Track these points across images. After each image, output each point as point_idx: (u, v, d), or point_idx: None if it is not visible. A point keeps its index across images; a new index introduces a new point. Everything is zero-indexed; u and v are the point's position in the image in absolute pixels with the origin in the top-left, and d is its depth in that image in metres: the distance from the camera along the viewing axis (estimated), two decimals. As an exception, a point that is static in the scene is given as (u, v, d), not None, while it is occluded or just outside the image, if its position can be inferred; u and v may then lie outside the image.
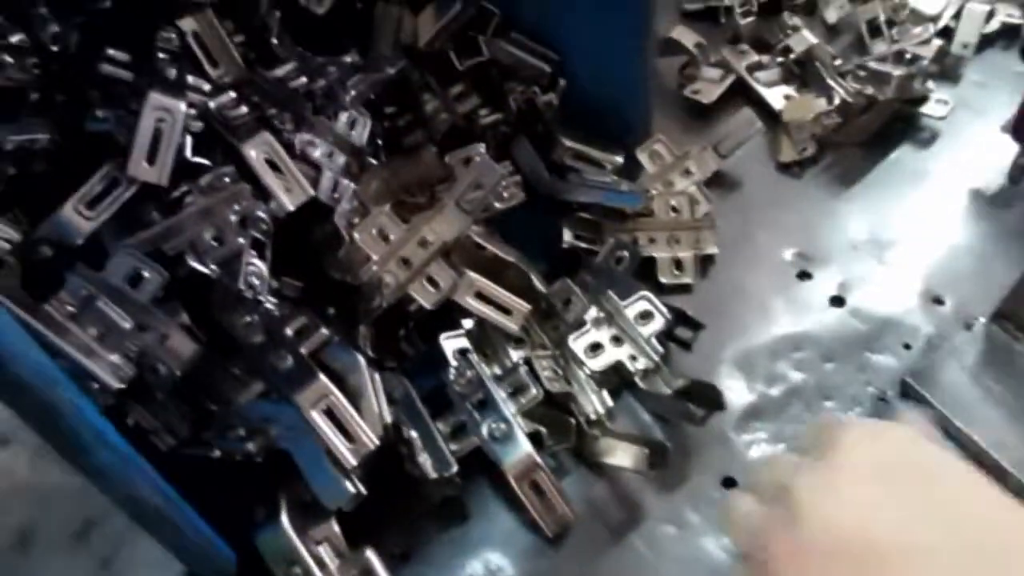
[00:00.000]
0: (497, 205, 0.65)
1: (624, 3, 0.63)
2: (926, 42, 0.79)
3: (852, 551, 0.33)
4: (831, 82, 0.76)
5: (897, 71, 0.74)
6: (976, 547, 0.32)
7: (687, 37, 0.82)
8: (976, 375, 0.59)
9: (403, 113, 0.69)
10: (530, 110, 0.69)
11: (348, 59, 0.63)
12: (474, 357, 0.57)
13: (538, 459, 0.55)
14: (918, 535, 0.33)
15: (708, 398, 0.57)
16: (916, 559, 0.32)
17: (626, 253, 0.64)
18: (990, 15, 0.83)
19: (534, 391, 0.56)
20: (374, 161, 0.65)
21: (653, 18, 0.64)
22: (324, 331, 0.54)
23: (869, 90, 0.74)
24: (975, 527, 0.33)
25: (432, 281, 0.59)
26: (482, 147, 0.64)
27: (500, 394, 0.56)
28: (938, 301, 0.65)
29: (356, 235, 0.59)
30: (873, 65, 0.76)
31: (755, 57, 0.82)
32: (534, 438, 0.56)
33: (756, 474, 0.41)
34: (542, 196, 0.69)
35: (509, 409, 0.55)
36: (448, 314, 0.60)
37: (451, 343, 0.59)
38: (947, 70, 0.81)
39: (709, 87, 0.80)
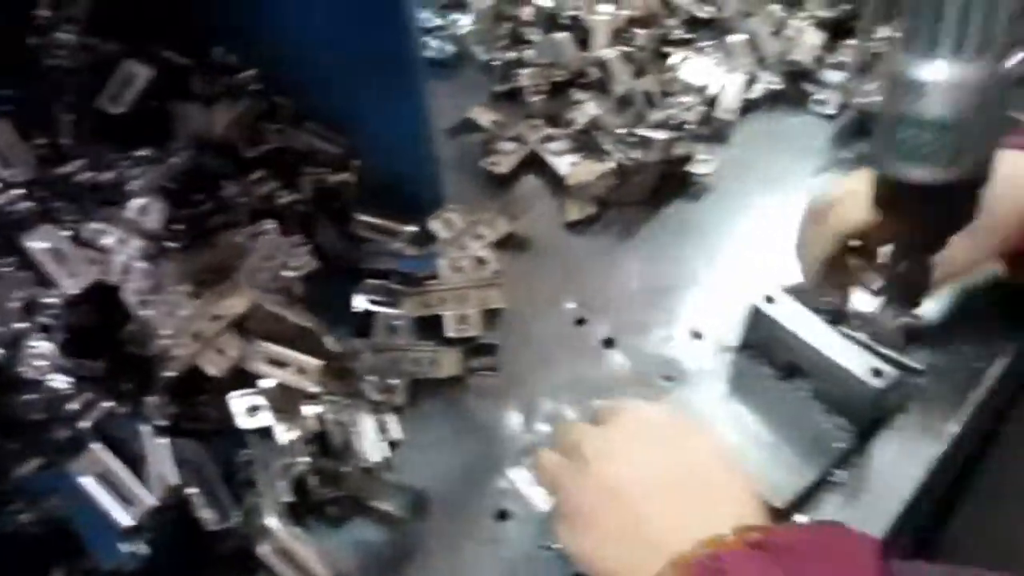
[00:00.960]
0: (289, 274, 0.70)
1: (404, 96, 0.71)
2: (691, 109, 0.89)
3: (616, 488, 0.49)
4: (609, 148, 0.85)
5: (661, 136, 0.83)
6: (690, 484, 0.49)
7: (484, 116, 0.90)
8: (726, 400, 0.66)
9: (205, 200, 0.74)
10: (324, 190, 0.75)
11: (142, 152, 0.68)
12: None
13: (282, 531, 0.58)
14: (655, 477, 0.50)
15: (415, 504, 0.62)
16: (653, 492, 0.49)
17: (399, 322, 0.70)
18: (751, 82, 0.94)
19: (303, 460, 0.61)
20: (175, 245, 0.70)
21: (428, 107, 0.71)
22: (106, 404, 0.57)
23: (639, 154, 0.83)
24: (693, 471, 0.50)
25: (221, 351, 0.64)
26: (272, 223, 0.70)
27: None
28: (697, 336, 0.73)
29: (148, 312, 0.63)
30: (641, 132, 0.85)
31: (547, 130, 0.91)
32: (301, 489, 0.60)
33: (559, 435, 0.57)
34: (342, 266, 0.75)
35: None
36: (253, 378, 0.65)
37: (241, 402, 0.63)
38: (716, 132, 0.91)
39: (505, 159, 0.88)
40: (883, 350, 0.66)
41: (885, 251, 0.60)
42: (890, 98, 0.47)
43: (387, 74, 0.68)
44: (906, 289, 0.55)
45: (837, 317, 0.67)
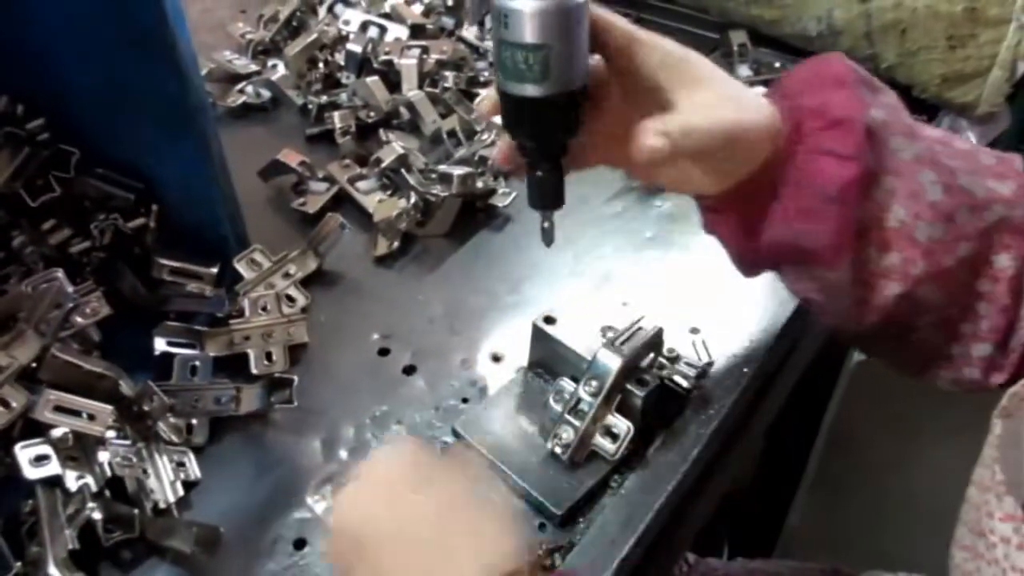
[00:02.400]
0: (80, 320, 0.70)
1: (191, 141, 0.72)
2: (493, 145, 0.94)
3: (359, 540, 0.51)
4: (413, 184, 0.89)
5: (459, 172, 0.87)
6: (420, 538, 0.51)
7: (291, 158, 0.92)
8: (513, 416, 0.70)
9: (-7, 250, 0.73)
10: (120, 235, 0.75)
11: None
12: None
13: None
14: (386, 527, 0.52)
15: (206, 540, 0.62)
16: (385, 544, 0.51)
17: (198, 363, 0.71)
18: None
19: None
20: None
21: (215, 149, 0.72)
22: None
23: (439, 189, 0.87)
24: (423, 523, 0.52)
25: (4, 403, 0.63)
26: (59, 271, 0.70)
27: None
28: (496, 358, 0.77)
29: (-76, 369, 0.62)
30: (441, 168, 0.89)
31: (357, 170, 0.94)
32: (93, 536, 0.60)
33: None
34: (144, 310, 0.75)
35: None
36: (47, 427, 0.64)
37: (27, 452, 0.63)
38: (519, 166, 0.97)
39: (314, 199, 0.91)
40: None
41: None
42: (495, 26, 0.53)
43: (171, 120, 0.70)
44: (543, 193, 0.59)
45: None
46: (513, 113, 0.55)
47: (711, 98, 0.54)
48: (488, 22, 1.16)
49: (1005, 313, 0.55)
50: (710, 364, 0.74)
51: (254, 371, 0.74)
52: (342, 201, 0.92)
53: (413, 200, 0.87)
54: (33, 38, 0.72)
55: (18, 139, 0.73)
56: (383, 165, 0.92)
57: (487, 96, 0.57)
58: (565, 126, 0.55)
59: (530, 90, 0.52)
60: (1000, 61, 0.89)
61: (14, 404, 0.63)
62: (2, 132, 0.73)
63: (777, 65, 1.03)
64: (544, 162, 0.56)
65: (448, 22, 1.16)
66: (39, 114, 0.77)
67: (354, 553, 0.52)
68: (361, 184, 0.92)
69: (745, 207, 0.59)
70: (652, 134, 0.51)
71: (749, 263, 0.64)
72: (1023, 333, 0.55)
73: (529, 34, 0.50)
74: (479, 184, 0.88)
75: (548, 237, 0.63)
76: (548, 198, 0.59)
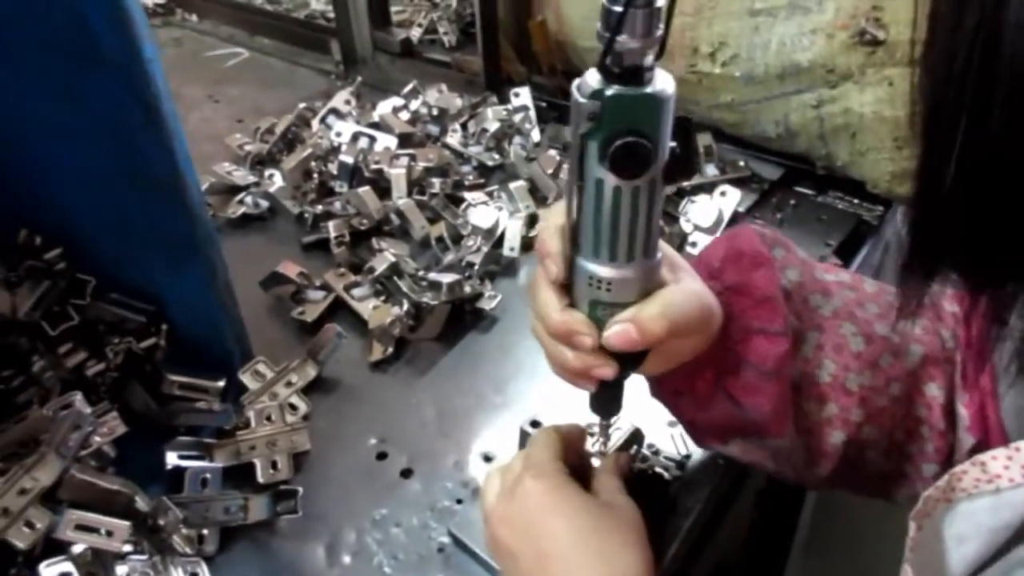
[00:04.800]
0: (97, 439, 0.75)
1: (197, 269, 0.78)
2: (479, 250, 1.01)
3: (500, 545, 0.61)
4: (405, 291, 0.95)
5: (447, 279, 0.93)
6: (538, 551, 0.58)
7: (290, 269, 0.98)
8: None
9: (14, 376, 0.78)
10: (132, 355, 0.81)
11: (-57, 341, 0.72)
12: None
13: None
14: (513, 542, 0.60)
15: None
16: (511, 555, 0.60)
17: (209, 474, 0.76)
18: (532, 221, 1.07)
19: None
20: (-17, 423, 0.74)
21: (221, 275, 0.79)
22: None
23: (429, 296, 0.93)
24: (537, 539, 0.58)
25: (29, 524, 0.68)
26: (78, 394, 0.75)
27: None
28: (487, 458, 0.82)
29: (-47, 495, 0.67)
30: (432, 276, 0.95)
31: (352, 277, 1.00)
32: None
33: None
34: (156, 425, 0.80)
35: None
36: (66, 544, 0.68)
37: (51, 571, 0.67)
38: (504, 268, 1.03)
39: (312, 307, 0.97)
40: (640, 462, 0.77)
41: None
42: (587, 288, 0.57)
43: (180, 252, 0.76)
44: (601, 403, 0.65)
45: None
46: None
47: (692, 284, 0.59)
48: (472, 126, 1.24)
49: (944, 436, 0.61)
50: (688, 456, 0.80)
51: (261, 480, 0.79)
52: (338, 308, 0.98)
53: (406, 307, 0.93)
54: (51, 180, 0.79)
55: (39, 271, 0.79)
56: (376, 273, 0.98)
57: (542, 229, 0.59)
58: (634, 362, 0.59)
59: None
60: (944, 158, 0.97)
61: (39, 525, 0.67)
62: (24, 266, 0.79)
63: (741, 164, 1.10)
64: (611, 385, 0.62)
65: (433, 130, 1.24)
66: (57, 244, 0.83)
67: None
68: (356, 291, 0.98)
69: (685, 383, 0.64)
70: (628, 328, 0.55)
71: (699, 433, 0.69)
72: (964, 454, 0.60)
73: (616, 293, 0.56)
74: (467, 289, 0.95)
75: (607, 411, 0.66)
76: (609, 409, 0.65)
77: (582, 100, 0.51)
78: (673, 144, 0.53)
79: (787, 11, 0.99)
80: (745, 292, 0.60)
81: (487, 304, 0.96)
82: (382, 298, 0.97)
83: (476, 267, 0.98)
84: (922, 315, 0.62)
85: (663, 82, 0.50)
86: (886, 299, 0.64)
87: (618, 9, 0.47)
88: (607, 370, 0.57)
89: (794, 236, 0.73)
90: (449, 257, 1.01)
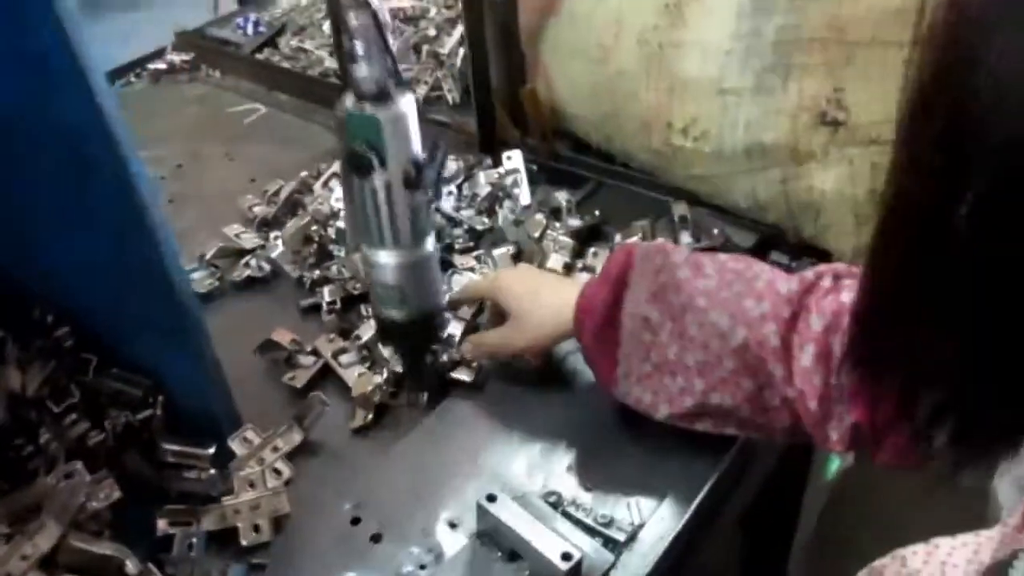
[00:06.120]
0: (95, 505, 0.82)
1: (189, 353, 0.85)
2: (460, 320, 1.07)
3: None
4: (387, 358, 1.01)
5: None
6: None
7: (283, 336, 1.06)
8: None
9: (25, 445, 0.87)
10: (130, 427, 0.89)
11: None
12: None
13: None
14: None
15: None
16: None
17: (195, 539, 0.83)
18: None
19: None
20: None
21: (209, 357, 0.86)
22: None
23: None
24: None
25: (28, 588, 0.76)
26: (78, 463, 0.83)
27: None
28: (453, 525, 0.87)
29: (-37, 562, 0.75)
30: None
31: (341, 343, 1.07)
32: None
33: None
34: (148, 490, 0.88)
35: None
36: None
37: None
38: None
39: (302, 373, 1.04)
40: (593, 525, 0.83)
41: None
42: (366, 268, 0.89)
43: (172, 336, 0.83)
44: (412, 382, 0.97)
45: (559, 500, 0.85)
46: (385, 329, 0.95)
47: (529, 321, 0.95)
48: (466, 189, 1.31)
49: (786, 361, 0.77)
50: (641, 525, 0.85)
51: (243, 542, 0.86)
52: (328, 373, 1.05)
53: (386, 375, 1.00)
54: (59, 265, 0.87)
55: (49, 351, 0.88)
56: (362, 341, 1.05)
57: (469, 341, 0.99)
58: (423, 340, 0.86)
59: (393, 314, 0.91)
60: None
61: (37, 589, 0.75)
62: (36, 345, 0.87)
63: (716, 232, 1.14)
64: (415, 364, 0.89)
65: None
66: (65, 322, 0.91)
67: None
68: (343, 358, 1.05)
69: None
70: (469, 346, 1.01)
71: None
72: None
73: (391, 277, 0.86)
74: (444, 358, 1.01)
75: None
76: (417, 386, 0.95)
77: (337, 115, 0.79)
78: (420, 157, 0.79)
79: (752, 92, 1.03)
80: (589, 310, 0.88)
81: (465, 376, 1.02)
82: (367, 364, 1.04)
83: (456, 338, 1.04)
84: (767, 298, 0.79)
85: (399, 105, 0.76)
86: (748, 284, 0.81)
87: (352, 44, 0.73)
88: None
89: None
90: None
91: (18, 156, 0.81)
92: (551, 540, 0.78)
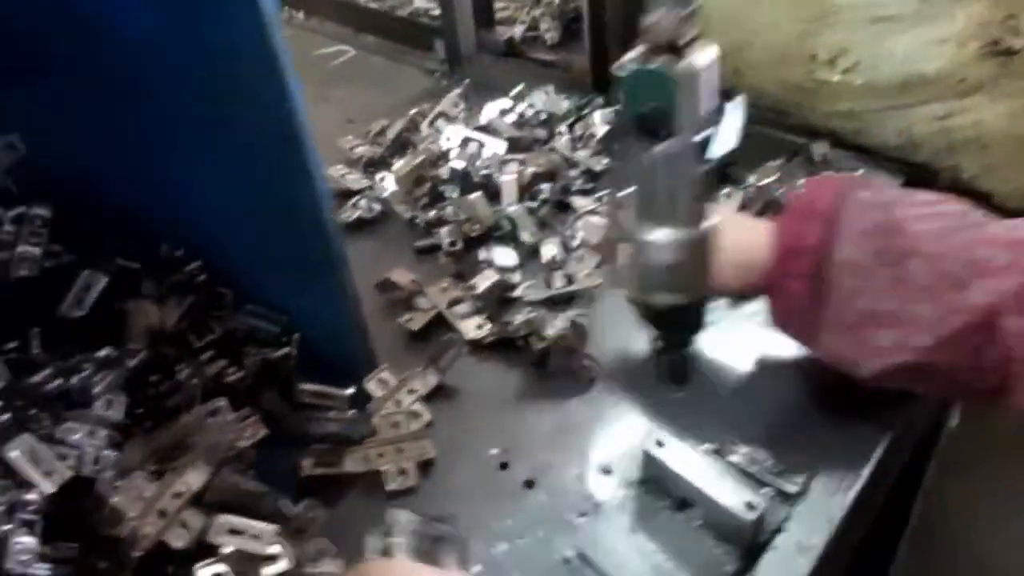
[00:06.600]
0: (241, 444, 0.79)
1: (329, 287, 0.81)
2: (589, 275, 1.01)
3: None
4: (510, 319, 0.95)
5: (551, 331, 0.91)
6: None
7: (402, 277, 1.01)
8: (630, 532, 0.76)
9: (163, 381, 0.83)
10: (268, 364, 0.85)
11: (103, 353, 0.77)
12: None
13: None
14: None
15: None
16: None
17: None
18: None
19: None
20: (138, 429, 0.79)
21: (350, 291, 0.82)
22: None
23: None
24: None
25: (185, 525, 0.72)
26: (223, 400, 0.79)
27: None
28: (607, 471, 0.83)
29: (116, 498, 0.72)
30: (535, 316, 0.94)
31: (456, 292, 1.01)
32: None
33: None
34: (287, 432, 0.85)
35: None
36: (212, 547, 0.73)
37: (207, 571, 0.71)
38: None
39: (419, 316, 0.99)
40: (763, 477, 0.78)
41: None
42: (634, 251, 0.72)
43: (313, 270, 0.79)
44: (671, 373, 0.80)
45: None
46: (649, 314, 0.76)
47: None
48: (580, 129, 1.25)
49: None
50: (812, 476, 0.80)
51: (389, 487, 0.82)
52: (442, 320, 1.00)
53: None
54: (192, 204, 0.83)
55: (182, 285, 0.84)
56: (478, 292, 0.99)
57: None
58: (692, 325, 0.66)
59: (664, 299, 0.73)
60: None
61: (194, 526, 0.72)
62: (170, 280, 0.83)
63: (860, 172, 1.08)
64: (673, 348, 0.67)
65: (540, 133, 1.24)
66: (196, 257, 0.87)
67: None
68: (457, 309, 1.00)
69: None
70: None
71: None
72: None
73: (667, 256, 0.71)
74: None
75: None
76: (676, 379, 0.76)
77: None
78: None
79: (912, 20, 0.96)
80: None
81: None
82: (485, 315, 0.99)
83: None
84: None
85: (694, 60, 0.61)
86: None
87: None
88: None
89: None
90: (557, 286, 1.02)
91: (158, 86, 0.76)
92: (731, 488, 0.73)
